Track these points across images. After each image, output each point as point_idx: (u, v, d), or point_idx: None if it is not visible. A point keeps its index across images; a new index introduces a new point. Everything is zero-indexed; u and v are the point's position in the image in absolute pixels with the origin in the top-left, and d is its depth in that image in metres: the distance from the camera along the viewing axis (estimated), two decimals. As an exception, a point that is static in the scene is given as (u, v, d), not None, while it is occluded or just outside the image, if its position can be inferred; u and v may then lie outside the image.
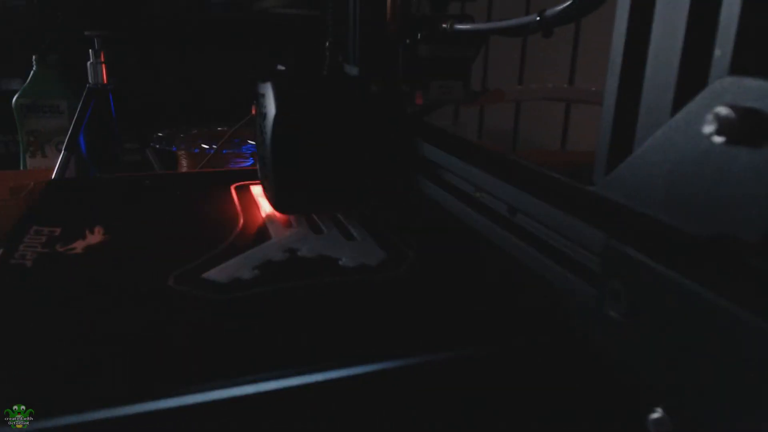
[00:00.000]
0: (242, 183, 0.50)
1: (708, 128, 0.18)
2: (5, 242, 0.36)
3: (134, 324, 0.27)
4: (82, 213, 0.43)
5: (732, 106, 0.17)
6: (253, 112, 0.44)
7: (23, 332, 0.26)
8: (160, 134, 1.02)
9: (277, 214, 0.42)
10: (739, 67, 0.18)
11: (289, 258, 0.35)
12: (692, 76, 0.20)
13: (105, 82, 0.91)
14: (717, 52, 0.19)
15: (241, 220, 0.41)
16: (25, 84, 0.99)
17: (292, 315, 0.29)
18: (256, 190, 0.48)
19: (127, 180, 0.56)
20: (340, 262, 0.34)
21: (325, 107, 0.40)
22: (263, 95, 0.40)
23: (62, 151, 0.83)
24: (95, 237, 0.37)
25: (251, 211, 0.43)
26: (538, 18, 0.31)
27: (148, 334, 0.27)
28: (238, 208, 0.44)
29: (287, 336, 0.27)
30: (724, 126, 0.17)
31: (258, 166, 0.44)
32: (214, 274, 0.32)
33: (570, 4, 0.28)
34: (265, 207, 0.44)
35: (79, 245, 0.36)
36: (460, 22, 0.41)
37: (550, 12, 0.30)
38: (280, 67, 0.48)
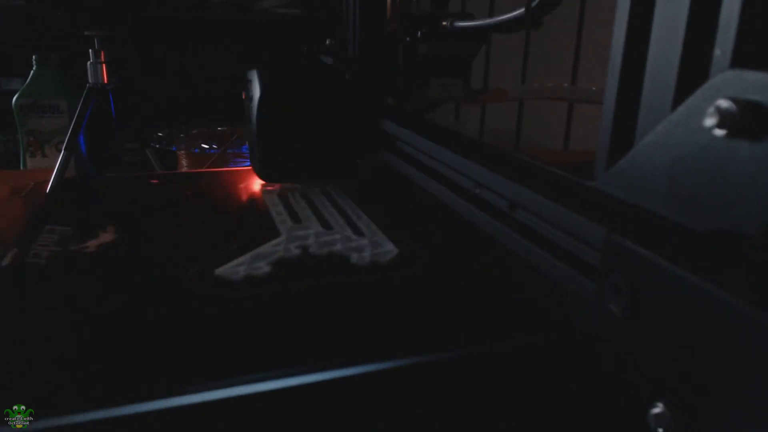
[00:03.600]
0: (248, 181, 0.51)
1: (709, 121, 0.18)
2: (19, 241, 0.36)
3: (148, 322, 0.27)
4: (94, 212, 0.44)
5: (733, 99, 0.17)
6: (243, 96, 0.49)
7: (33, 331, 0.26)
8: (160, 134, 1.02)
9: (284, 210, 0.43)
10: (739, 66, 0.18)
11: (301, 255, 0.35)
12: (692, 75, 0.20)
13: (105, 82, 0.91)
14: (717, 52, 0.19)
15: (250, 218, 0.42)
16: (25, 84, 0.99)
17: (302, 314, 0.29)
18: (264, 187, 0.49)
19: (135, 179, 0.57)
20: (352, 260, 0.34)
21: (303, 88, 0.47)
22: (250, 81, 0.46)
23: (62, 151, 0.83)
24: (108, 236, 0.38)
25: (259, 209, 0.43)
26: (524, 10, 0.31)
27: (160, 332, 0.27)
28: (246, 206, 0.45)
29: (295, 335, 0.27)
30: (725, 119, 0.17)
31: (249, 148, 0.50)
32: (228, 271, 0.32)
33: None
34: (274, 203, 0.44)
35: (92, 244, 0.36)
36: (461, 20, 0.41)
37: (534, 2, 0.30)
38: None
